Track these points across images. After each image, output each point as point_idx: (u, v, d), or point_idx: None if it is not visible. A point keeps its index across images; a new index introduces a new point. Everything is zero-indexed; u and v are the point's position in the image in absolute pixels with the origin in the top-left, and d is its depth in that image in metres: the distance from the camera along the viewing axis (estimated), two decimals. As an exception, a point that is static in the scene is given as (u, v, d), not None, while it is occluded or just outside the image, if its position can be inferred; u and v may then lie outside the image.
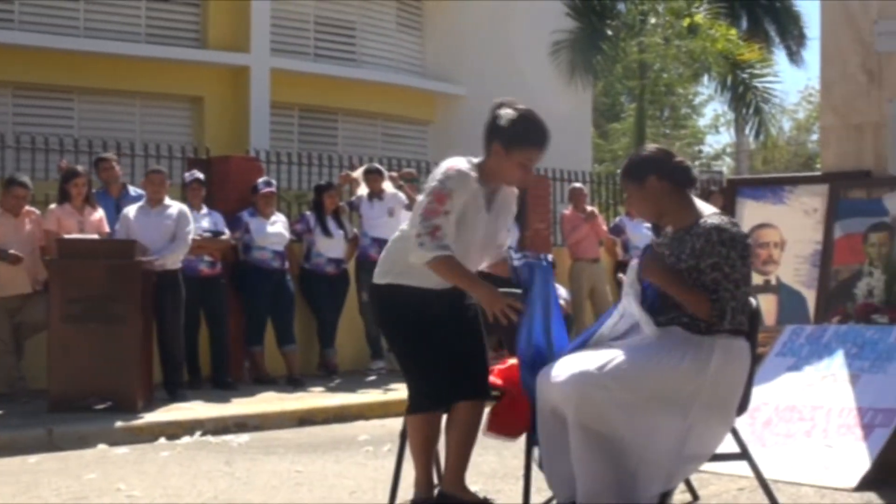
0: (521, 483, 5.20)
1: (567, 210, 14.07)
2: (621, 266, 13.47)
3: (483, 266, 5.15)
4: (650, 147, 5.00)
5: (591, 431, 4.52)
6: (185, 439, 8.33)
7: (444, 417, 5.09)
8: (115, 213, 10.12)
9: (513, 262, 5.04)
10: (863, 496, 5.71)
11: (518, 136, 4.88)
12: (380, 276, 5.09)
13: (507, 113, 4.89)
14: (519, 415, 5.04)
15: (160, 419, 8.70)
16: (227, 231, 10.69)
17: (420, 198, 4.98)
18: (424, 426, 5.05)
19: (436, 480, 5.29)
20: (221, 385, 10.45)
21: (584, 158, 21.21)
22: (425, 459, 5.10)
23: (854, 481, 5.86)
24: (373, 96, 19.37)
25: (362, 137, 19.75)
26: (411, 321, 5.00)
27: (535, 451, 4.90)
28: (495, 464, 5.98)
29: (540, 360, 4.85)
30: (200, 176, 10.72)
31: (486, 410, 5.14)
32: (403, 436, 5.26)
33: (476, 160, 5.00)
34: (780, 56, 26.67)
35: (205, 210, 10.62)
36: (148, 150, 12.53)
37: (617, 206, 16.46)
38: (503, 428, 5.21)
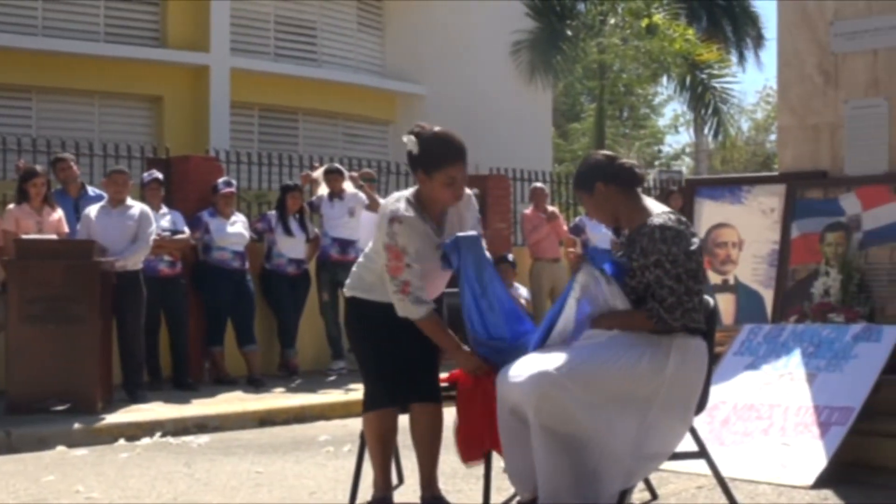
0: (481, 482, 5.23)
1: (528, 210, 14.08)
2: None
3: None
4: (594, 155, 5.10)
5: (551, 431, 4.54)
6: (145, 440, 8.29)
7: (405, 421, 5.13)
8: (74, 213, 10.05)
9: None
10: (819, 494, 5.76)
11: (432, 158, 4.95)
12: (348, 290, 5.31)
13: (415, 140, 4.97)
14: (480, 433, 5.09)
15: (120, 420, 8.65)
16: (186, 230, 10.65)
17: (382, 254, 5.00)
18: (379, 423, 5.15)
19: (395, 481, 5.30)
20: (181, 386, 10.42)
21: (545, 158, 21.29)
22: (381, 458, 5.18)
23: (811, 479, 5.92)
24: (333, 96, 19.33)
25: (323, 137, 19.70)
26: (374, 327, 5.17)
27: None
28: (456, 463, 5.97)
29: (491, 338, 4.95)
30: (159, 175, 10.66)
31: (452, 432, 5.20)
32: (364, 436, 5.30)
33: (410, 193, 5.09)
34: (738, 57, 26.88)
35: (164, 209, 10.57)
36: (107, 150, 12.44)
37: (577, 206, 16.49)
38: (472, 452, 5.22)
